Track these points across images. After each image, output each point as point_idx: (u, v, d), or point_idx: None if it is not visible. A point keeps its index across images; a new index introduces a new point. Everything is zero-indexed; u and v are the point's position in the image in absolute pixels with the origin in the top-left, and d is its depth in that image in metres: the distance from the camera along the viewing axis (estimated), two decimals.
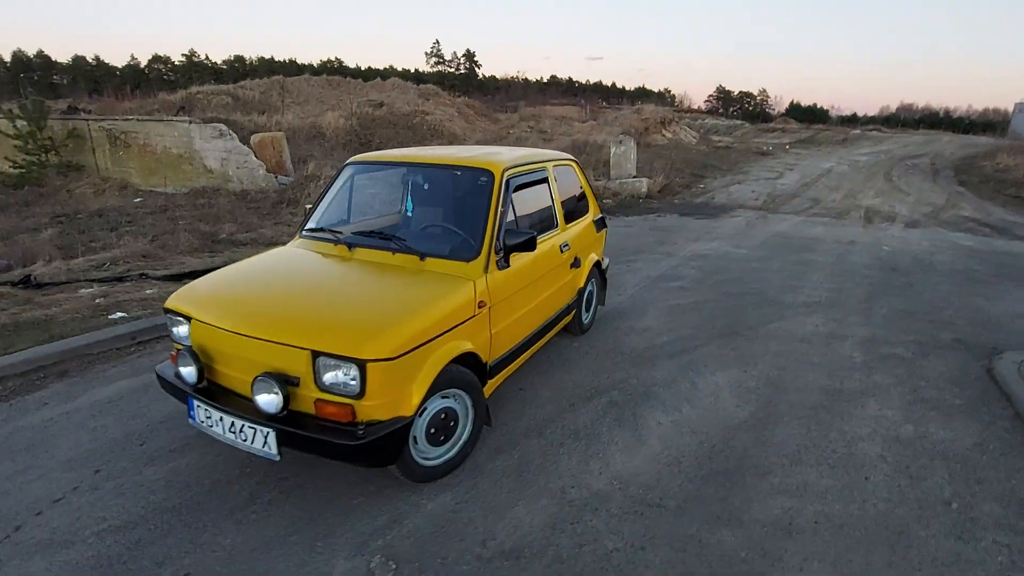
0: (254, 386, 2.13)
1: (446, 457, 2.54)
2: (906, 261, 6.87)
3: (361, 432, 2.10)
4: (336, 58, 61.44)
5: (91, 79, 39.95)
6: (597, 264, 4.25)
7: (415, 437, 2.40)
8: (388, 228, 3.08)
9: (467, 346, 2.51)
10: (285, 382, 2.12)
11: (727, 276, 6.05)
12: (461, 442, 2.60)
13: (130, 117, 11.46)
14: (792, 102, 66.02)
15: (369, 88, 22.24)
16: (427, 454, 2.47)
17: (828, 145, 28.64)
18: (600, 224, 4.31)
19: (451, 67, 56.15)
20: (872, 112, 71.17)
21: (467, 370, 2.55)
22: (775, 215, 9.98)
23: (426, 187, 3.25)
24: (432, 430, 2.46)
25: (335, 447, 2.09)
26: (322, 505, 2.36)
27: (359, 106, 19.70)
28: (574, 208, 3.92)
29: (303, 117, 18.48)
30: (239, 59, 54.85)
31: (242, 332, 2.22)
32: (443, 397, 2.47)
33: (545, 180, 3.47)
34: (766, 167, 17.69)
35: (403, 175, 3.27)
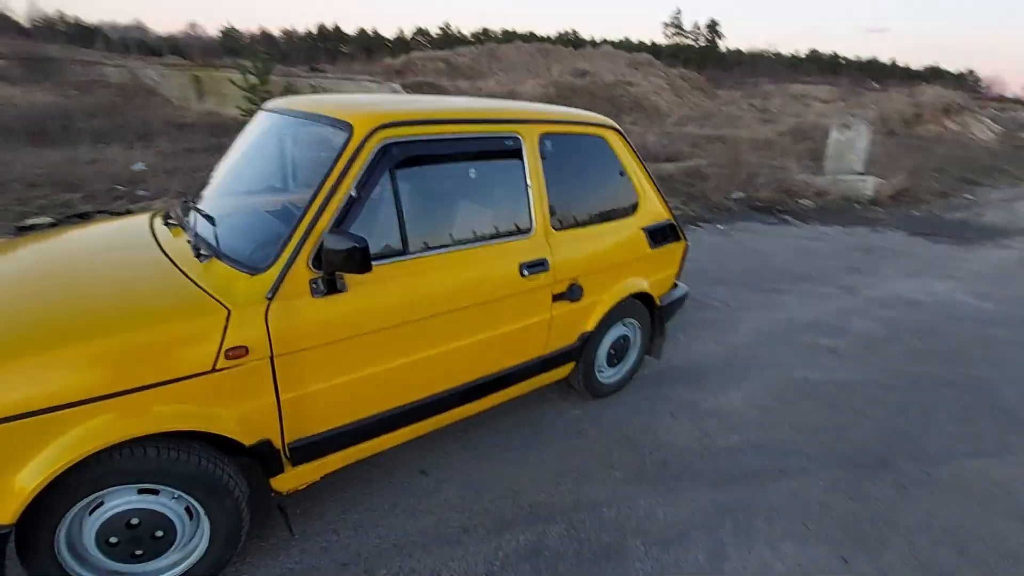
0: None
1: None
2: None
3: None
4: (572, 29, 61.46)
5: (365, 47, 46.67)
6: (644, 297, 2.69)
7: None
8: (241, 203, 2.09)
9: (186, 420, 1.45)
10: None
11: (932, 345, 3.70)
12: None
13: (331, 76, 12.47)
14: None
15: (577, 56, 21.21)
16: None
17: None
18: (660, 235, 2.70)
19: (690, 38, 51.37)
20: None
21: (210, 460, 1.50)
22: None
23: (284, 149, 2.18)
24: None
25: None
26: None
27: (561, 74, 18.91)
28: (594, 205, 2.43)
29: (504, 84, 18.45)
30: (485, 31, 58.55)
31: None
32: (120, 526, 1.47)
33: (513, 153, 2.10)
34: None
35: (278, 128, 2.22)
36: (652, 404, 2.78)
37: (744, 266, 5.13)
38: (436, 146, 1.88)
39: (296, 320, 1.58)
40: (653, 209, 2.67)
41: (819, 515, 2.14)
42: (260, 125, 2.24)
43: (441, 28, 62.06)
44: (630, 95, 17.79)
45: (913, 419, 2.82)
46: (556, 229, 2.22)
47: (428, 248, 1.87)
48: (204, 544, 1.60)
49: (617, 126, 2.50)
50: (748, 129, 14.37)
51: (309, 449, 1.73)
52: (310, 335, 1.60)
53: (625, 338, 2.76)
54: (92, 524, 1.46)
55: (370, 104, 1.89)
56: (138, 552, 1.53)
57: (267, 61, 12.92)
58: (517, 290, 2.08)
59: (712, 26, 51.89)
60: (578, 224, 2.33)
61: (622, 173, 2.52)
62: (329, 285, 1.62)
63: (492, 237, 2.04)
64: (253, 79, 12.35)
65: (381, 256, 1.75)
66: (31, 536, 1.38)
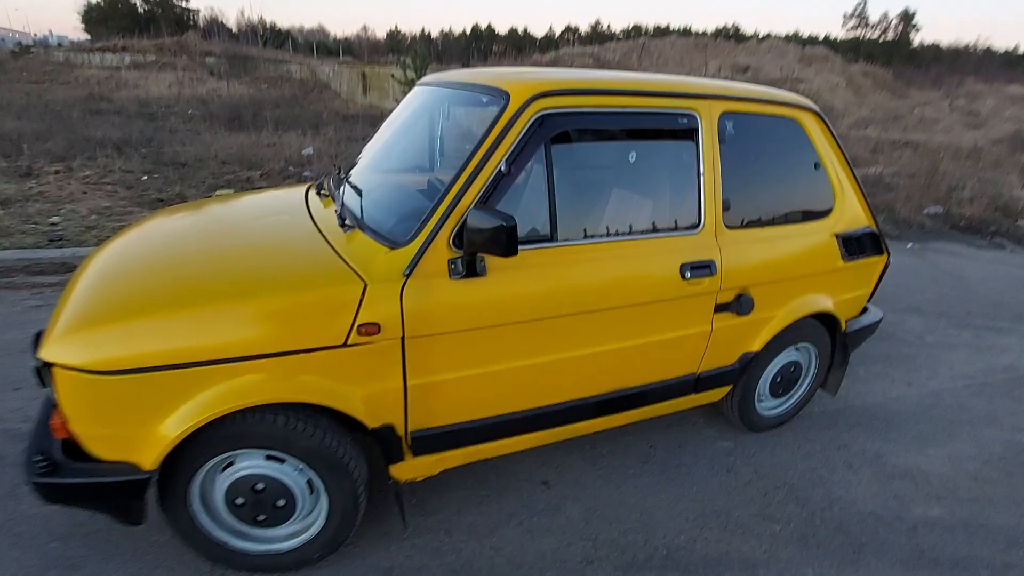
0: None
1: None
2: None
3: (42, 465, 1.30)
4: (733, 24, 57.40)
5: (516, 45, 47.82)
6: (827, 318, 2.22)
7: None
8: (382, 177, 2.01)
9: (318, 393, 1.38)
10: None
11: None
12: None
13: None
14: None
15: (739, 51, 19.59)
16: None
17: None
18: (857, 245, 2.19)
19: (876, 31, 45.05)
20: None
21: (323, 430, 1.43)
22: None
23: (437, 123, 2.03)
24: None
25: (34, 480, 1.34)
26: None
27: (719, 70, 17.63)
28: (778, 201, 2.02)
29: None
30: (636, 28, 57.03)
31: None
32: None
33: (687, 134, 1.78)
34: None
35: (433, 101, 2.09)
36: (822, 449, 2.29)
37: (943, 294, 4.22)
38: (599, 120, 1.64)
39: (431, 301, 1.44)
40: (852, 212, 2.18)
41: None
42: (416, 98, 2.17)
43: (591, 26, 61.63)
44: (799, 92, 16.04)
45: None
46: (729, 227, 1.87)
47: (580, 237, 1.64)
48: (321, 520, 1.54)
49: (817, 108, 2.06)
50: (948, 135, 12.18)
51: (432, 440, 1.61)
52: (444, 319, 1.46)
53: (796, 365, 2.30)
54: (223, 482, 1.47)
55: (530, 73, 1.71)
56: (260, 517, 1.51)
57: (424, 56, 13.69)
58: (676, 294, 1.77)
59: (906, 16, 45.10)
60: (756, 224, 1.95)
61: (817, 166, 2.08)
62: (469, 267, 1.46)
63: (653, 230, 1.75)
64: (411, 74, 13.18)
65: (527, 241, 1.56)
66: (170, 484, 1.41)
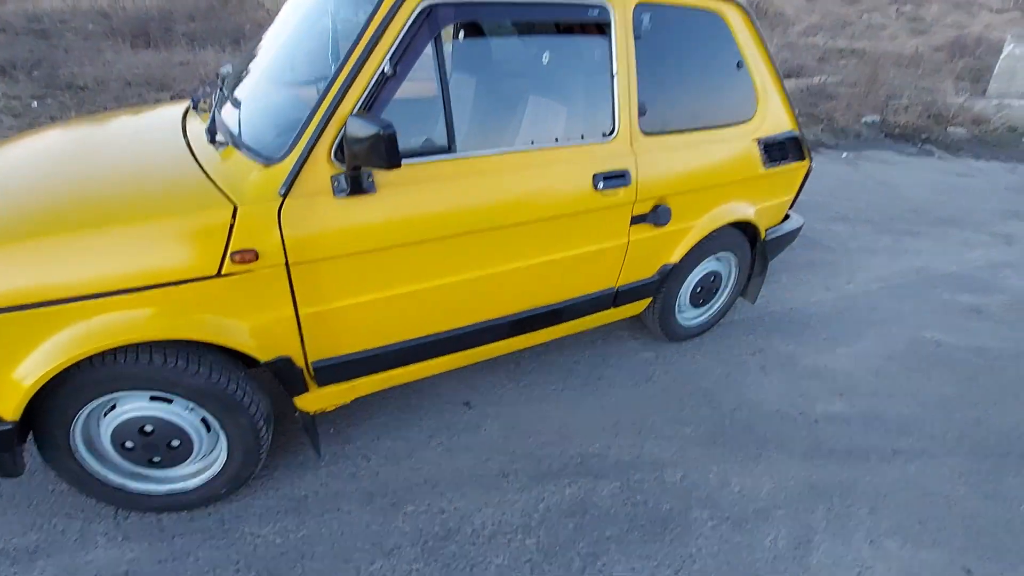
0: None
1: None
2: None
3: None
4: None
5: None
6: (747, 227, 2.22)
7: None
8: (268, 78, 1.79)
9: (193, 328, 1.28)
10: None
11: None
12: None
13: None
14: None
15: None
16: None
17: None
18: (779, 151, 2.16)
19: None
20: None
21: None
22: None
23: (332, 15, 1.81)
24: None
25: None
26: None
27: None
28: (698, 104, 1.94)
29: None
30: None
31: None
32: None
33: (598, 29, 1.64)
34: None
35: None
36: (739, 355, 2.37)
37: (870, 202, 4.34)
38: (496, 11, 1.48)
39: (315, 223, 1.33)
40: (775, 116, 2.12)
41: (941, 512, 1.73)
42: None
43: None
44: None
45: None
46: (646, 133, 1.79)
47: (480, 147, 1.53)
48: (224, 457, 1.49)
49: (743, 2, 1.93)
50: (893, 42, 12.18)
51: (336, 370, 1.55)
52: (331, 242, 1.36)
53: (716, 275, 2.32)
54: (107, 426, 1.38)
55: None
56: (156, 459, 1.44)
57: None
58: (589, 206, 1.71)
59: None
60: (675, 129, 1.87)
61: (740, 65, 1.98)
62: (354, 183, 1.34)
63: (562, 138, 1.65)
64: None
65: (420, 153, 1.44)
66: (46, 433, 1.32)
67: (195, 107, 1.82)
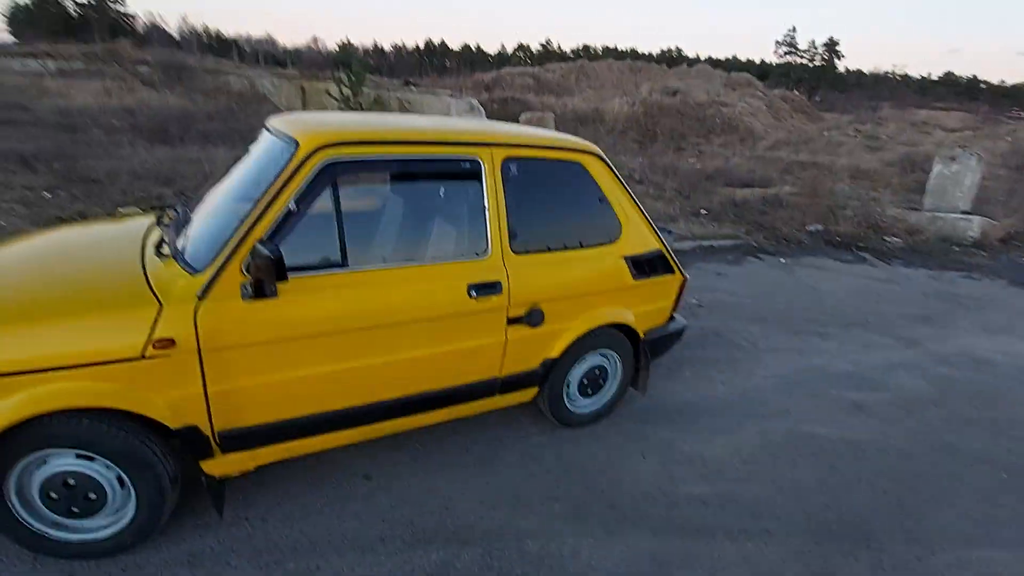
0: None
1: None
2: None
3: None
4: (675, 47, 59.95)
5: (469, 62, 48.49)
6: (627, 329, 2.60)
7: None
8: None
9: (116, 399, 1.62)
10: None
11: (984, 413, 3.22)
12: None
13: (416, 91, 13.11)
14: None
15: (670, 75, 20.66)
16: None
17: None
18: (647, 266, 2.59)
19: (804, 58, 48.08)
20: None
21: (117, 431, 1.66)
22: None
23: (251, 157, 2.28)
24: None
25: None
26: None
27: (650, 92, 18.54)
28: (565, 230, 2.39)
29: (591, 101, 18.40)
30: (585, 48, 58.76)
31: None
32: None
33: (472, 176, 2.12)
34: None
35: (262, 142, 2.35)
36: (624, 441, 2.67)
37: (791, 304, 4.76)
38: (386, 165, 1.97)
39: (224, 319, 1.71)
40: (640, 238, 2.58)
41: None
42: (260, 138, 2.44)
43: (542, 44, 63.10)
44: (722, 115, 17.07)
45: (925, 494, 2.49)
46: (516, 252, 2.22)
47: (369, 263, 1.95)
48: (131, 512, 1.77)
49: (598, 151, 2.45)
50: (849, 157, 13.28)
51: (239, 439, 1.86)
52: (236, 334, 1.73)
53: (602, 368, 2.68)
54: (38, 478, 1.68)
55: (324, 124, 2.00)
56: (75, 509, 1.72)
57: (360, 73, 13.76)
58: (463, 309, 2.10)
59: (830, 45, 48.36)
60: (544, 249, 2.31)
61: (602, 200, 2.47)
62: (256, 289, 1.74)
63: (440, 256, 2.08)
64: (347, 91, 13.24)
65: (317, 267, 1.85)
66: None
67: (159, 222, 2.27)
